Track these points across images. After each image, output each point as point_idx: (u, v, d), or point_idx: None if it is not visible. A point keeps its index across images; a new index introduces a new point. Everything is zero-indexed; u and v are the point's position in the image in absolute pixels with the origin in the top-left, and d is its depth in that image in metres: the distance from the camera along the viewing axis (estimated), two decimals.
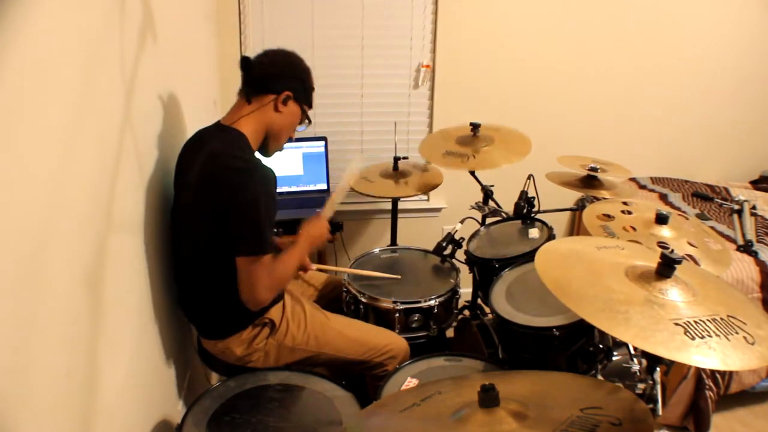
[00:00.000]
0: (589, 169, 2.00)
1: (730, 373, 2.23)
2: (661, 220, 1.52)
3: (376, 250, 2.18)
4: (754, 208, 2.56)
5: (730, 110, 3.31)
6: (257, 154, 1.58)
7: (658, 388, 1.13)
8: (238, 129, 1.52)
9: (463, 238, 2.07)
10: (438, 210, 3.06)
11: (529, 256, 1.84)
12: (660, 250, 1.08)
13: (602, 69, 3.02)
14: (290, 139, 1.65)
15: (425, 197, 3.05)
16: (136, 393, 1.36)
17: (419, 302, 1.81)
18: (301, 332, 1.63)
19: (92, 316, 1.06)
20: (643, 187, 3.16)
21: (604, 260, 1.12)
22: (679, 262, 1.02)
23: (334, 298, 1.99)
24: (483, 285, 1.93)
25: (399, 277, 1.95)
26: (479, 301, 2.13)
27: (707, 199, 2.82)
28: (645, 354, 1.18)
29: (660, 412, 1.13)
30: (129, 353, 1.29)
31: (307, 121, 1.65)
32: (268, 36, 2.67)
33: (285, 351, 1.61)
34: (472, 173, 2.25)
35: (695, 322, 0.93)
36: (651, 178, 3.26)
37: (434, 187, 2.43)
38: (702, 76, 3.19)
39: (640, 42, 3.03)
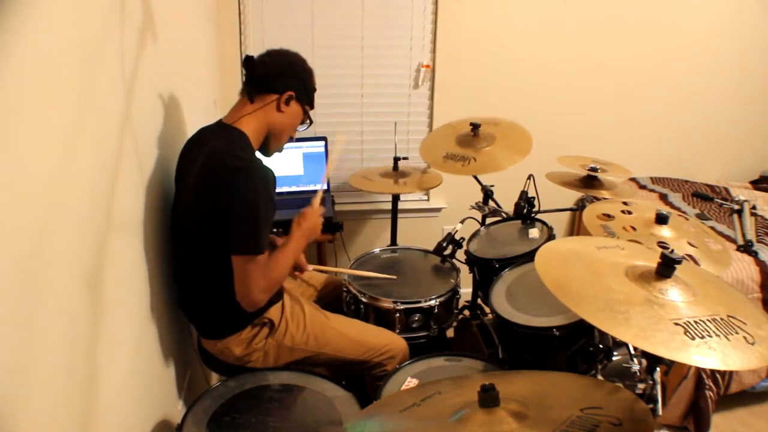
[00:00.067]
0: (589, 169, 2.00)
1: (730, 373, 2.23)
2: (661, 220, 1.52)
3: (377, 250, 2.18)
4: (754, 208, 2.56)
5: (730, 110, 3.31)
6: (257, 154, 1.58)
7: (658, 388, 1.13)
8: (240, 128, 1.52)
9: (463, 238, 2.07)
10: (438, 210, 3.06)
11: (529, 256, 1.84)
12: (660, 250, 1.08)
13: (602, 69, 3.02)
14: (291, 139, 1.65)
15: (425, 197, 3.05)
16: (136, 393, 1.36)
17: (420, 302, 1.81)
18: (300, 332, 1.63)
19: (92, 316, 1.06)
20: (643, 187, 3.16)
21: (604, 260, 1.12)
22: (679, 262, 1.02)
23: (335, 298, 1.99)
24: (483, 285, 1.93)
25: (395, 277, 1.94)
26: (479, 301, 2.13)
27: (707, 199, 2.82)
28: (645, 354, 1.18)
29: (660, 412, 1.13)
30: (129, 353, 1.29)
31: (308, 121, 1.66)
32: (268, 36, 2.67)
33: (284, 351, 1.61)
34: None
35: (695, 322, 0.93)
36: (651, 178, 3.26)
37: (434, 186, 2.43)
38: (702, 76, 3.19)
39: (640, 42, 3.03)
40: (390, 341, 1.71)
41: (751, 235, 2.42)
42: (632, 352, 1.26)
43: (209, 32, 2.48)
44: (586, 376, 1.32)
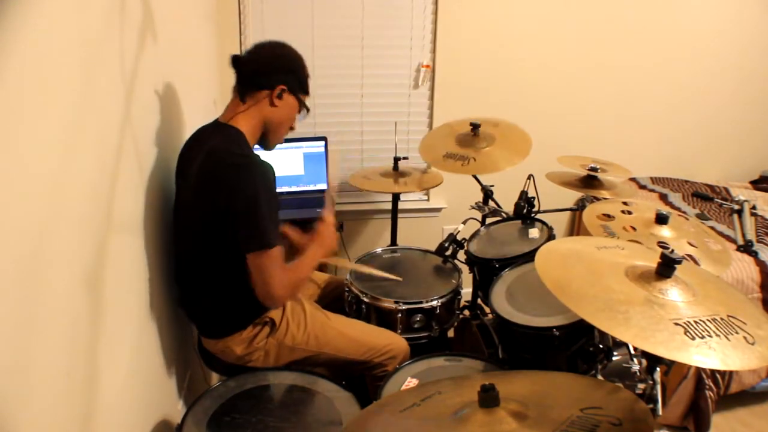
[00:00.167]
0: (589, 169, 2.00)
1: (730, 373, 2.23)
2: (661, 220, 1.52)
3: (378, 250, 2.18)
4: (754, 208, 2.56)
5: (730, 110, 3.31)
6: (258, 149, 1.58)
7: (658, 388, 1.12)
8: (236, 126, 1.52)
9: (465, 239, 2.07)
10: (438, 210, 3.06)
11: (529, 256, 1.84)
12: (660, 250, 1.07)
13: (602, 69, 3.02)
14: (292, 129, 1.64)
15: (425, 197, 3.05)
16: (136, 393, 1.36)
17: (421, 303, 1.81)
18: (301, 332, 1.63)
19: (92, 316, 1.06)
20: (643, 187, 3.16)
21: (604, 260, 1.12)
22: (679, 262, 1.02)
23: (336, 298, 1.99)
24: (483, 285, 1.93)
25: (401, 279, 1.94)
26: (479, 301, 2.13)
27: (707, 199, 2.82)
28: (645, 354, 1.18)
29: (660, 412, 1.13)
30: (129, 353, 1.29)
31: (305, 110, 1.63)
32: (268, 36, 2.65)
33: (285, 350, 1.61)
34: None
35: (695, 322, 0.93)
36: (651, 178, 3.26)
37: (434, 186, 2.43)
38: (702, 75, 3.19)
39: (640, 42, 3.03)
40: (391, 341, 1.71)
41: (751, 235, 2.42)
42: (632, 352, 1.26)
43: (209, 32, 2.48)
44: (586, 376, 1.32)
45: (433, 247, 2.10)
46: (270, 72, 1.53)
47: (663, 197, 2.99)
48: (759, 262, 2.28)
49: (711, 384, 2.20)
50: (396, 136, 2.79)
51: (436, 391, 1.09)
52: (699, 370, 2.18)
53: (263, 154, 1.52)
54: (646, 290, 1.01)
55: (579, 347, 1.45)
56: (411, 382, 1.47)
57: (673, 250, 1.04)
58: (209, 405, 1.35)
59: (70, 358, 0.96)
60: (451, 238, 2.05)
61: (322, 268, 2.41)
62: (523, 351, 1.62)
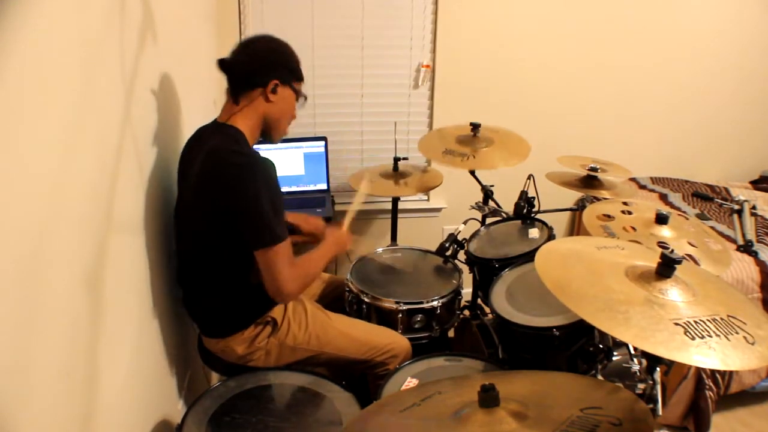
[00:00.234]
0: (589, 169, 2.00)
1: (730, 373, 2.23)
2: (661, 220, 1.52)
3: (379, 250, 2.18)
4: (754, 208, 2.56)
5: (730, 110, 3.31)
6: (259, 148, 1.58)
7: (658, 388, 1.12)
8: (234, 125, 1.52)
9: (465, 239, 2.07)
10: (438, 210, 3.06)
11: (529, 256, 1.84)
12: (660, 250, 1.07)
13: (602, 69, 3.02)
14: (293, 118, 1.63)
15: (425, 197, 3.05)
16: (136, 393, 1.36)
17: (422, 303, 1.81)
18: (303, 331, 1.63)
19: (92, 316, 1.06)
20: (643, 187, 3.16)
21: (604, 260, 1.12)
22: (679, 262, 1.02)
23: (336, 298, 1.99)
24: (483, 285, 1.93)
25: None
26: (479, 301, 2.13)
27: (707, 199, 2.82)
28: (645, 354, 1.17)
29: (660, 412, 1.13)
30: (129, 353, 1.29)
31: (302, 97, 1.62)
32: None
33: (286, 350, 1.61)
34: (473, 173, 2.25)
35: (695, 322, 0.93)
36: (651, 178, 3.26)
37: (434, 187, 2.43)
38: (702, 76, 3.19)
39: (640, 42, 3.03)
40: (392, 340, 1.72)
41: (751, 235, 2.42)
42: (632, 352, 1.26)
43: (209, 32, 2.48)
44: (586, 376, 1.32)
45: (433, 247, 2.10)
46: (259, 69, 1.52)
47: (663, 197, 2.99)
48: (759, 262, 2.28)
49: (711, 384, 2.20)
50: (396, 136, 2.79)
51: (436, 391, 1.09)
52: (699, 370, 2.18)
53: (264, 151, 1.51)
54: (646, 290, 1.01)
55: (579, 347, 1.45)
56: (411, 382, 1.47)
57: (673, 250, 1.04)
58: (209, 405, 1.35)
59: (70, 358, 0.96)
60: (452, 238, 2.05)
61: None
62: (523, 351, 1.62)
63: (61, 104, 0.93)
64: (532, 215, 2.08)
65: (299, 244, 1.85)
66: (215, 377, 2.00)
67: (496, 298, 1.69)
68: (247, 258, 1.44)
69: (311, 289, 1.98)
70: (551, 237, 1.98)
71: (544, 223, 2.05)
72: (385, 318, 1.83)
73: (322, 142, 2.72)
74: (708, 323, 0.93)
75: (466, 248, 2.04)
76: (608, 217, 1.59)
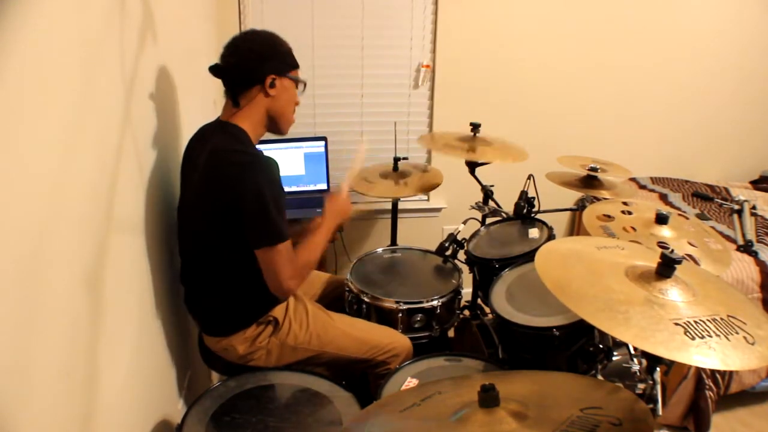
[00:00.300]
0: (589, 169, 2.00)
1: (730, 373, 2.23)
2: (661, 220, 1.52)
3: (379, 250, 2.18)
4: (754, 208, 2.56)
5: (730, 110, 3.31)
6: (262, 146, 1.57)
7: (658, 388, 1.12)
8: (237, 124, 1.52)
9: (464, 239, 2.07)
10: (438, 210, 3.06)
11: (529, 256, 1.84)
12: (660, 250, 1.07)
13: (602, 69, 3.02)
14: (296, 104, 1.62)
15: (425, 197, 3.05)
16: (136, 393, 1.36)
17: (422, 302, 1.81)
18: (304, 331, 1.63)
19: (92, 316, 1.06)
20: (643, 187, 3.16)
21: (604, 260, 1.12)
22: (679, 262, 1.02)
23: (336, 298, 1.99)
24: (483, 285, 1.93)
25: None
26: (479, 301, 2.13)
27: (707, 199, 2.82)
28: (645, 354, 1.17)
29: (660, 412, 1.13)
30: (129, 353, 1.29)
31: (302, 84, 1.61)
32: None
33: (287, 350, 1.61)
34: (472, 173, 2.25)
35: (695, 322, 0.93)
36: (651, 178, 3.26)
37: (434, 187, 2.43)
38: (702, 76, 3.19)
39: (640, 42, 3.03)
40: (393, 339, 1.72)
41: (751, 235, 2.42)
42: (632, 352, 1.26)
43: (209, 32, 2.47)
44: (586, 376, 1.32)
45: (433, 247, 2.10)
46: (253, 67, 1.51)
47: (663, 197, 2.99)
48: (759, 262, 2.28)
49: (711, 384, 2.20)
50: (396, 136, 2.79)
51: (436, 391, 1.09)
52: (699, 370, 2.18)
53: (264, 151, 1.51)
54: (646, 290, 1.01)
55: (579, 347, 1.45)
56: (411, 382, 1.47)
57: (673, 250, 1.04)
58: (209, 405, 1.35)
59: (70, 358, 0.96)
60: (452, 238, 2.05)
61: (321, 267, 2.42)
62: (523, 351, 1.62)
63: (61, 104, 0.93)
64: (532, 215, 2.08)
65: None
66: (216, 377, 2.00)
67: (496, 298, 1.69)
68: (250, 257, 1.45)
69: (312, 289, 1.99)
70: (551, 237, 1.98)
71: (544, 223, 2.05)
72: (385, 318, 1.83)
73: (322, 142, 2.72)
74: (708, 323, 0.93)
75: (466, 248, 2.04)
76: (608, 217, 1.59)
